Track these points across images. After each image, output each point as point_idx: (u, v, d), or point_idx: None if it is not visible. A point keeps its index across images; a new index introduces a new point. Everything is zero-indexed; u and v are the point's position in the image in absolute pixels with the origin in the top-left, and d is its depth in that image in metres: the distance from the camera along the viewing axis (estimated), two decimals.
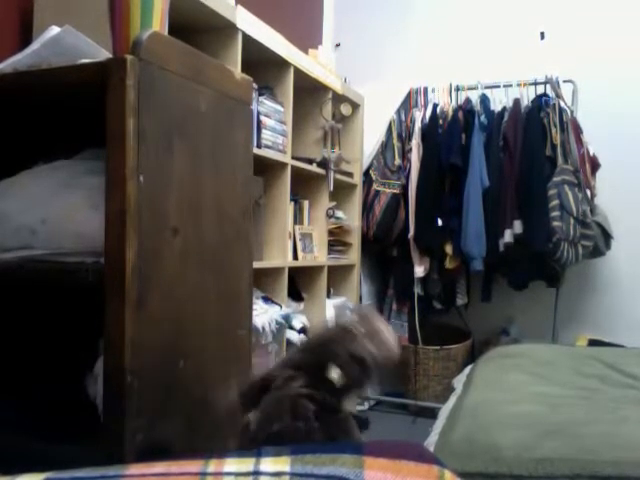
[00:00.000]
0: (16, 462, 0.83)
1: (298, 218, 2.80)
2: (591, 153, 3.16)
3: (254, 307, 2.12)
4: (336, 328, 1.04)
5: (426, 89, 3.37)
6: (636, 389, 1.71)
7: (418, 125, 3.25)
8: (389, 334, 1.04)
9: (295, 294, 2.75)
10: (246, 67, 2.22)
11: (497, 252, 3.05)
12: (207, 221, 1.26)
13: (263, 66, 2.51)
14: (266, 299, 2.40)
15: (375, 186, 3.26)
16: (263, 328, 2.19)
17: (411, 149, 3.24)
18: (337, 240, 3.09)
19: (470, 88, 3.29)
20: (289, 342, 2.54)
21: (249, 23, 2.24)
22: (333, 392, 0.98)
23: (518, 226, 3.00)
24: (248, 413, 1.00)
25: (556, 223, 2.92)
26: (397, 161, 3.29)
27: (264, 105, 2.40)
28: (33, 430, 1.20)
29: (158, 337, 1.12)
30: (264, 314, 2.27)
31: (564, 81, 3.14)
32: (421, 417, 3.15)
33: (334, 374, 0.97)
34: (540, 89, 3.18)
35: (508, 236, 3.01)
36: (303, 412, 0.97)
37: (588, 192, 3.07)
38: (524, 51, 3.48)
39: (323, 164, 2.83)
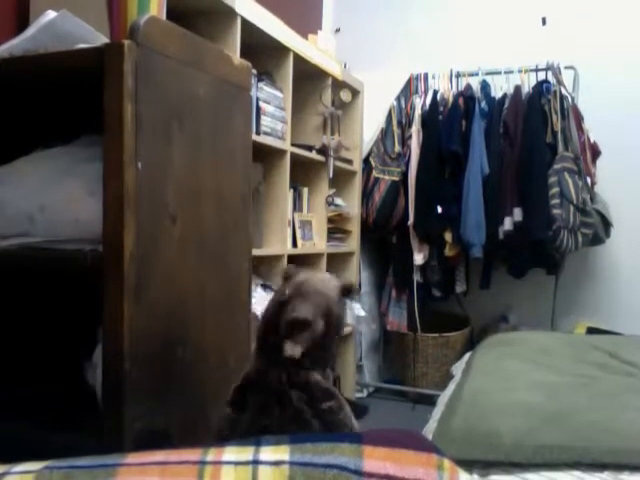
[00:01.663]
0: (15, 450, 0.83)
1: (297, 205, 2.79)
2: (592, 140, 3.15)
3: (253, 294, 2.12)
4: (270, 303, 1.03)
5: (426, 75, 3.35)
6: (634, 377, 1.72)
7: (418, 112, 3.23)
8: (320, 281, 1.02)
9: None
10: (245, 53, 2.20)
11: (497, 240, 3.05)
12: (206, 208, 1.26)
13: (262, 52, 2.49)
14: (265, 286, 2.40)
15: (375, 173, 3.24)
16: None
17: (411, 136, 3.23)
18: (336, 227, 3.09)
19: (471, 74, 3.27)
20: None
21: (248, 8, 2.22)
22: (299, 366, 0.97)
23: (518, 214, 3.00)
24: (241, 417, 1.00)
25: (556, 211, 2.91)
26: (397, 148, 3.28)
27: (263, 91, 2.39)
28: (32, 418, 1.21)
29: (157, 324, 1.12)
30: (263, 302, 2.26)
31: (565, 67, 3.12)
32: (420, 404, 3.17)
33: (287, 349, 0.95)
34: (541, 75, 3.16)
35: (508, 224, 3.01)
36: (289, 402, 0.96)
37: (588, 180, 3.06)
38: (525, 37, 3.46)
39: (322, 151, 2.82)
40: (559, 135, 3.00)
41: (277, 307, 1.01)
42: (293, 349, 0.95)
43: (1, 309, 1.46)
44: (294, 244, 2.70)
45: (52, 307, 1.51)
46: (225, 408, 1.02)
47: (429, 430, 1.51)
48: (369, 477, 0.61)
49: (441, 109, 3.19)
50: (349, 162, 3.14)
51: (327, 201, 2.90)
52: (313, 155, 2.77)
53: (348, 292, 1.07)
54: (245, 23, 2.20)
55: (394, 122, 3.31)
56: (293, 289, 1.01)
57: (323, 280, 1.06)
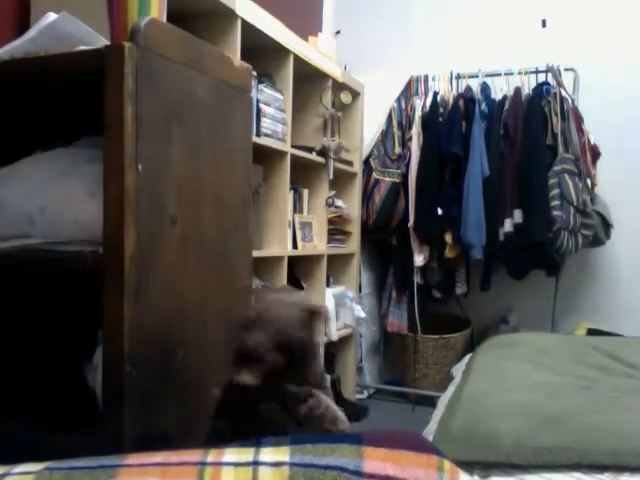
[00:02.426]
0: (15, 451, 0.83)
1: (298, 207, 2.79)
2: (592, 142, 3.15)
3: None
4: (238, 325, 1.02)
5: (426, 77, 3.35)
6: (635, 378, 1.72)
7: (418, 113, 3.23)
8: (284, 308, 1.01)
9: (295, 283, 2.75)
10: (245, 54, 2.21)
11: (497, 241, 3.05)
12: (206, 209, 1.26)
13: (262, 53, 2.49)
14: (266, 288, 2.40)
15: (375, 175, 3.25)
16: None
17: (411, 137, 3.23)
18: (337, 229, 3.09)
19: (471, 76, 3.27)
20: None
21: (248, 10, 2.22)
22: (250, 395, 0.96)
23: (518, 215, 3.00)
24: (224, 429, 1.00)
25: (556, 212, 2.91)
26: (397, 150, 3.28)
27: (263, 93, 2.39)
28: (32, 419, 1.21)
29: (157, 326, 1.12)
30: None
31: (565, 69, 3.12)
32: (420, 405, 3.16)
33: (240, 378, 0.95)
34: (541, 77, 3.16)
35: (508, 225, 3.01)
36: (260, 414, 0.96)
37: (588, 181, 3.06)
38: (525, 39, 3.46)
39: (323, 153, 2.82)
40: (559, 137, 3.00)
41: (241, 331, 1.00)
42: (244, 378, 0.94)
43: (1, 310, 1.46)
44: (294, 245, 2.70)
45: (52, 309, 1.51)
46: (210, 421, 1.03)
47: (429, 431, 1.51)
48: (369, 478, 0.61)
49: (441, 111, 3.20)
50: (349, 164, 3.14)
51: (327, 202, 2.90)
52: (313, 157, 2.77)
53: (315, 316, 1.05)
54: (245, 25, 2.20)
55: (394, 124, 3.31)
56: (256, 315, 1.00)
57: (287, 306, 1.03)
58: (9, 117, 1.41)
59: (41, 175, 1.21)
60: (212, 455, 0.64)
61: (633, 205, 3.28)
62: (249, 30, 2.24)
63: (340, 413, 1.02)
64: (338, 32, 3.86)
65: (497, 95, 3.21)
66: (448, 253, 3.16)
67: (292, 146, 2.58)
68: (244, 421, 0.96)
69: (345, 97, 2.99)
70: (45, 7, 1.46)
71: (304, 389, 1.02)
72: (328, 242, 2.95)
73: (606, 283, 3.40)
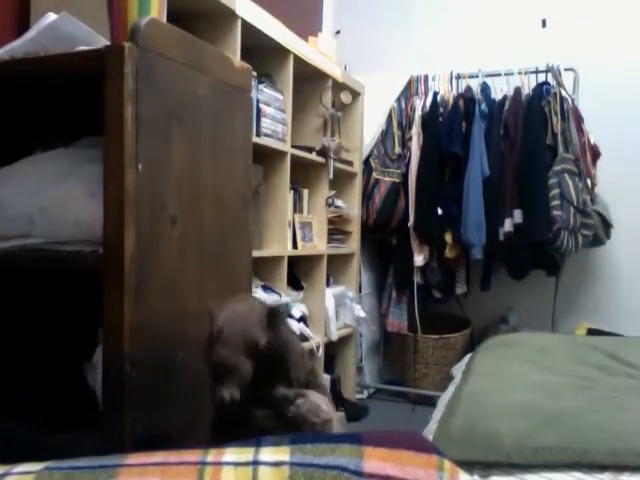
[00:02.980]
0: (15, 450, 0.83)
1: (298, 207, 2.79)
2: (592, 142, 3.15)
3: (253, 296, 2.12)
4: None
5: (427, 77, 3.35)
6: (635, 378, 1.72)
7: (418, 113, 3.23)
8: (241, 318, 1.01)
9: (295, 283, 2.75)
10: (245, 55, 2.21)
11: (497, 241, 3.05)
12: (206, 209, 1.26)
13: (262, 54, 2.49)
14: (266, 288, 2.40)
15: (375, 175, 3.25)
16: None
17: (411, 137, 3.23)
18: (337, 229, 3.09)
19: (471, 76, 3.27)
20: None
21: (248, 10, 2.22)
22: (238, 407, 0.97)
23: (518, 215, 3.00)
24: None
25: (556, 212, 2.91)
26: (397, 149, 3.28)
27: (263, 93, 2.39)
28: (32, 418, 1.21)
29: (157, 326, 1.12)
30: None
31: (565, 69, 3.12)
32: (420, 405, 3.16)
33: (224, 396, 0.95)
34: (541, 77, 3.16)
35: (508, 225, 3.01)
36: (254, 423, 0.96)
37: (588, 181, 3.06)
38: (525, 39, 3.46)
39: (323, 152, 2.82)
40: (559, 137, 3.00)
41: (207, 350, 1.01)
42: (229, 394, 0.95)
43: (1, 310, 1.46)
44: (294, 245, 2.70)
45: (52, 308, 1.51)
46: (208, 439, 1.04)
47: (429, 431, 1.51)
48: (369, 478, 0.61)
49: (441, 111, 3.20)
50: (349, 163, 3.14)
51: (327, 202, 2.90)
52: (313, 157, 2.77)
53: (275, 316, 1.05)
54: (245, 25, 2.20)
55: (394, 124, 3.31)
56: (217, 331, 1.00)
57: (246, 313, 1.03)
58: (9, 117, 1.41)
59: (41, 175, 1.21)
60: (212, 455, 0.64)
61: (633, 205, 3.28)
62: (249, 30, 2.24)
63: (331, 410, 1.02)
64: (338, 32, 3.86)
65: (497, 95, 3.21)
66: (448, 253, 3.16)
67: (292, 146, 2.58)
68: (237, 434, 0.96)
69: (345, 97, 2.99)
70: (45, 7, 1.46)
71: (294, 390, 1.02)
72: (328, 242, 2.95)
73: (606, 283, 3.40)
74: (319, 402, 1.02)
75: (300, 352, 1.12)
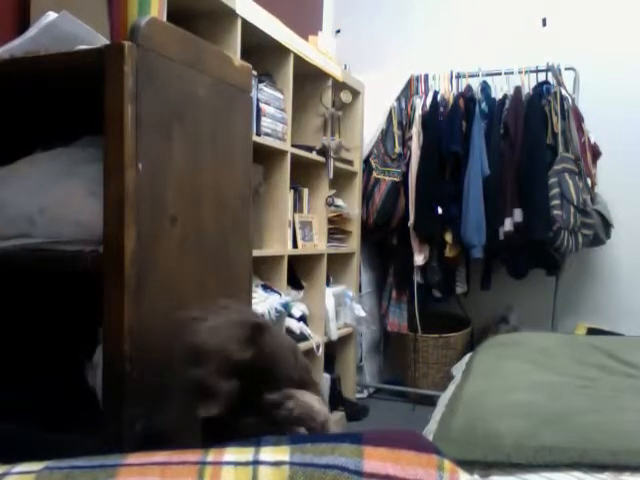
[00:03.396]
0: (15, 450, 0.83)
1: (298, 206, 2.79)
2: (592, 141, 3.15)
3: (253, 295, 2.12)
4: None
5: (427, 76, 3.35)
6: (635, 378, 1.72)
7: (418, 113, 3.23)
8: (222, 335, 0.97)
9: (295, 282, 2.75)
10: (245, 54, 2.21)
11: (497, 240, 3.05)
12: (206, 209, 1.26)
13: (263, 53, 2.49)
14: (266, 287, 2.40)
15: (375, 174, 3.25)
16: (262, 316, 2.19)
17: (411, 137, 3.23)
18: (337, 228, 3.09)
19: (471, 75, 3.27)
20: (289, 330, 2.55)
21: (248, 9, 2.22)
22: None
23: (518, 214, 3.00)
24: None
25: (556, 212, 2.91)
26: (397, 149, 3.28)
27: (264, 92, 2.39)
28: (32, 418, 1.21)
29: (157, 325, 1.11)
30: (263, 302, 2.27)
31: (566, 68, 3.12)
32: (420, 405, 3.17)
33: (202, 412, 0.93)
34: (541, 76, 3.16)
35: (508, 224, 3.01)
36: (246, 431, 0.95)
37: (589, 180, 3.06)
38: (525, 38, 3.46)
39: (323, 152, 2.82)
40: (559, 136, 3.00)
41: (186, 367, 0.97)
42: (207, 413, 0.92)
43: (1, 310, 1.46)
44: (294, 245, 2.70)
45: (52, 308, 1.51)
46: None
47: (429, 431, 1.51)
48: (369, 477, 0.61)
49: (441, 110, 3.20)
50: (349, 163, 3.14)
51: (327, 202, 2.90)
52: (313, 156, 2.77)
53: (259, 331, 1.00)
54: (245, 24, 2.20)
55: (394, 123, 3.31)
56: (197, 347, 0.95)
57: (227, 328, 0.98)
58: (9, 117, 1.41)
59: (41, 175, 1.21)
60: (212, 454, 0.64)
61: (633, 205, 3.28)
62: (249, 29, 2.24)
63: (323, 409, 1.01)
64: (338, 31, 3.86)
65: (497, 94, 3.21)
66: (448, 252, 3.16)
67: (292, 145, 2.58)
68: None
69: (345, 96, 2.99)
70: (45, 6, 1.45)
71: (281, 393, 0.99)
72: (328, 241, 2.95)
73: (606, 283, 3.40)
74: (311, 402, 1.00)
75: (290, 350, 1.08)
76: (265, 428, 0.95)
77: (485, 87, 3.22)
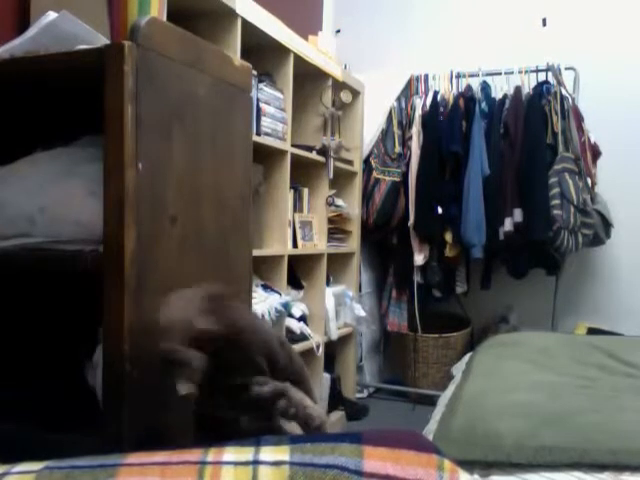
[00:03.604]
0: (15, 450, 0.83)
1: (298, 206, 2.79)
2: (592, 141, 3.15)
3: (253, 295, 2.12)
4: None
5: (427, 76, 3.35)
6: (635, 378, 1.72)
7: (418, 112, 3.23)
8: (179, 309, 0.98)
9: (295, 282, 2.75)
10: (245, 53, 2.21)
11: (497, 240, 3.05)
12: (206, 209, 1.26)
13: (263, 53, 2.49)
14: (266, 287, 2.40)
15: (375, 174, 3.25)
16: (262, 316, 2.19)
17: (411, 137, 3.23)
18: (337, 228, 3.09)
19: (471, 75, 3.27)
20: (289, 330, 2.55)
21: (249, 9, 2.22)
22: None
23: (518, 214, 3.00)
24: None
25: (556, 211, 2.91)
26: (397, 149, 3.28)
27: (264, 92, 2.39)
28: (32, 418, 1.21)
29: (157, 325, 1.11)
30: (263, 302, 2.27)
31: (566, 68, 3.12)
32: (420, 404, 3.17)
33: (180, 390, 0.92)
34: (541, 76, 3.16)
35: (508, 224, 3.01)
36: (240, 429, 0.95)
37: (589, 180, 3.06)
38: (525, 38, 3.46)
39: (323, 152, 2.82)
40: (559, 136, 3.00)
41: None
42: (185, 389, 0.91)
43: (1, 310, 1.46)
44: (294, 244, 2.70)
45: (52, 308, 1.51)
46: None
47: (429, 430, 1.51)
48: (369, 477, 0.61)
49: (441, 110, 3.20)
50: (349, 163, 3.14)
51: (327, 202, 2.90)
52: (313, 156, 2.77)
53: (215, 301, 1.00)
54: (246, 24, 2.20)
55: (394, 123, 3.31)
56: (163, 324, 0.97)
57: (185, 302, 0.99)
58: (9, 116, 1.41)
59: (41, 174, 1.21)
60: (212, 454, 0.64)
61: (633, 205, 3.28)
62: (249, 29, 2.24)
63: (317, 409, 1.00)
64: (338, 31, 3.86)
65: (497, 94, 3.21)
66: (448, 252, 3.17)
67: (292, 145, 2.58)
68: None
69: (345, 96, 2.99)
70: (45, 6, 1.45)
71: (272, 388, 0.99)
72: (328, 241, 2.95)
73: (606, 282, 3.40)
74: (305, 403, 0.99)
75: (271, 339, 1.07)
76: (261, 425, 0.95)
77: (485, 87, 3.22)
